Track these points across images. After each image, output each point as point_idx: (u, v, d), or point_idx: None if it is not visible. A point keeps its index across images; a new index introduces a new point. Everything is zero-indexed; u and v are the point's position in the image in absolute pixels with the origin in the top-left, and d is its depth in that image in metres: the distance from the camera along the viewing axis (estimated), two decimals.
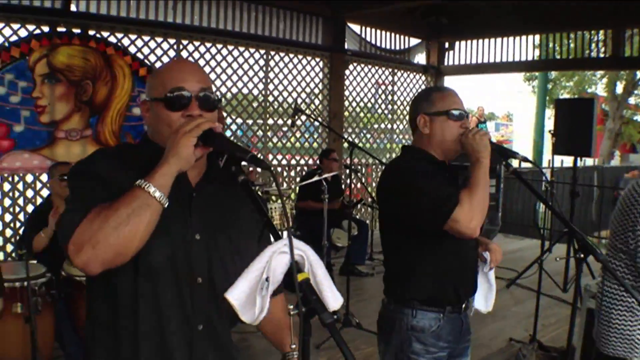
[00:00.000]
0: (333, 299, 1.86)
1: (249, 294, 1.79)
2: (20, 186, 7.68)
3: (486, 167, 2.87)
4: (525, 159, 3.22)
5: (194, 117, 1.94)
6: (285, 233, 1.85)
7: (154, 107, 2.00)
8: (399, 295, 3.09)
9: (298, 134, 11.19)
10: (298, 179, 10.35)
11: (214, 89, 2.34)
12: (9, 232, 7.60)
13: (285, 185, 10.50)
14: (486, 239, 3.20)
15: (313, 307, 1.65)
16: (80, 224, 1.78)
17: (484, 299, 3.18)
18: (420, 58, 13.56)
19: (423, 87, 13.46)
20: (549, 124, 19.14)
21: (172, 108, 1.96)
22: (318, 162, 9.20)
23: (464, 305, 3.12)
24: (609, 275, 3.40)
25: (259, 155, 1.85)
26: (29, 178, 7.72)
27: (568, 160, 11.04)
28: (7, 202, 7.59)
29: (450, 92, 3.10)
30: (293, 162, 11.16)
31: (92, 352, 2.06)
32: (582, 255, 2.99)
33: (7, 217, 7.60)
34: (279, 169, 10.74)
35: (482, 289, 3.17)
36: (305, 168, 10.97)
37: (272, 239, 1.90)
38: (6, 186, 7.56)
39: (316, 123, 11.27)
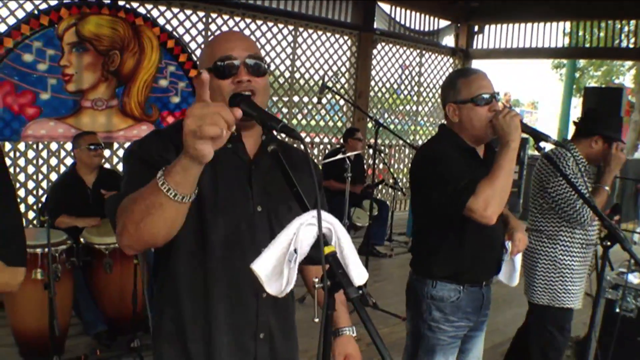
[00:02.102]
0: (358, 275, 1.85)
1: (276, 265, 1.78)
2: (44, 154, 7.73)
3: (514, 150, 2.86)
4: (558, 143, 3.33)
5: (242, 82, 1.99)
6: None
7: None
8: (421, 269, 3.18)
9: (323, 112, 11.16)
10: (321, 157, 10.34)
11: None
12: (31, 200, 7.67)
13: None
14: (517, 224, 3.23)
15: (339, 280, 1.65)
16: (117, 210, 1.82)
17: (508, 276, 3.20)
18: (449, 40, 13.47)
19: (450, 69, 13.40)
20: (575, 113, 19.00)
21: (221, 76, 2.00)
22: (342, 141, 9.18)
23: (483, 283, 3.19)
24: (533, 232, 3.93)
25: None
26: (54, 146, 7.76)
27: None
28: (30, 169, 7.65)
29: (476, 76, 3.06)
30: (317, 140, 11.15)
31: (161, 314, 2.15)
32: (609, 243, 3.07)
33: (30, 185, 7.66)
34: (302, 146, 10.69)
35: (506, 269, 3.19)
36: (329, 147, 10.96)
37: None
38: (30, 153, 7.61)
39: (341, 102, 11.26)
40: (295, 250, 1.76)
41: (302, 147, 2.02)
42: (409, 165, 3.43)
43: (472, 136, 3.06)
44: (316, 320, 1.72)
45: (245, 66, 2.02)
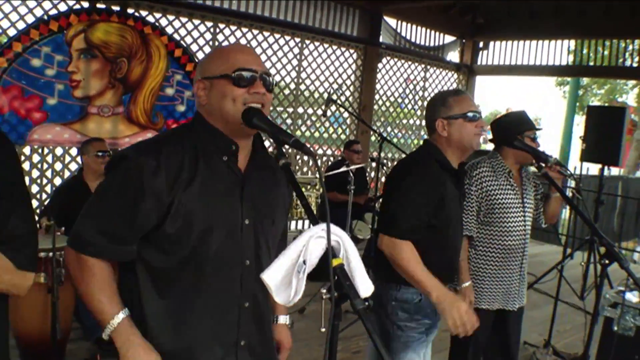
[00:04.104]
0: (364, 287, 1.90)
1: (285, 276, 1.84)
2: (49, 158, 7.76)
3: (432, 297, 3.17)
4: (559, 163, 3.53)
5: (259, 93, 2.10)
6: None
7: (216, 85, 2.11)
8: (384, 274, 3.35)
9: (327, 124, 11.18)
10: (324, 169, 10.37)
11: None
12: (34, 204, 7.65)
13: (310, 174, 10.52)
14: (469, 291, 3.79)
15: (346, 292, 1.72)
16: (84, 266, 2.06)
17: None
18: (454, 56, 13.51)
19: (455, 85, 13.46)
20: (578, 130, 19.02)
21: (239, 84, 2.08)
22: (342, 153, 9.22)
23: None
24: (477, 241, 3.99)
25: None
26: (59, 151, 7.79)
27: (593, 169, 10.98)
28: (35, 173, 7.69)
29: (466, 95, 3.43)
30: (320, 151, 11.16)
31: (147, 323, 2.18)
32: (607, 262, 3.16)
33: (34, 189, 7.69)
34: (306, 157, 10.76)
35: None
36: (332, 159, 10.98)
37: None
38: (35, 158, 7.64)
39: (345, 114, 11.28)
40: (304, 262, 1.81)
41: (311, 162, 2.13)
42: None
43: (458, 150, 3.33)
44: (322, 330, 1.77)
45: (262, 80, 2.12)
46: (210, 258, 2.11)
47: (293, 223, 10.37)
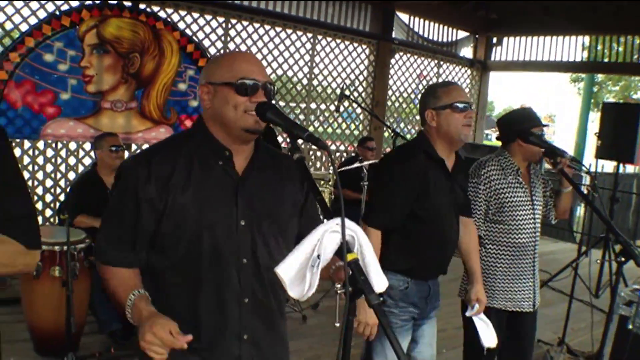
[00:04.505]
0: (379, 282, 1.91)
1: (298, 270, 1.84)
2: (63, 153, 7.79)
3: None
4: (574, 159, 3.53)
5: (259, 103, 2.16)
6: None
7: (220, 91, 2.21)
8: None
9: (340, 120, 11.18)
10: (337, 165, 10.35)
11: None
12: (49, 198, 7.71)
13: (324, 170, 10.52)
14: (479, 286, 3.71)
15: (360, 287, 1.72)
16: (105, 271, 2.27)
17: (490, 336, 3.56)
18: (467, 52, 13.48)
19: (468, 80, 13.46)
20: (592, 127, 18.93)
21: (242, 93, 2.18)
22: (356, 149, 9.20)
23: (429, 279, 3.53)
24: (486, 239, 4.01)
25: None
26: (72, 145, 7.81)
27: (608, 166, 10.93)
28: (49, 167, 7.70)
29: (455, 86, 3.46)
30: (333, 147, 11.13)
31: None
32: (622, 259, 3.12)
33: (48, 183, 7.71)
34: (319, 153, 10.76)
35: (481, 327, 3.59)
36: (345, 154, 10.96)
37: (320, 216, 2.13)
38: (49, 152, 7.66)
39: (358, 110, 11.27)
40: (318, 256, 1.81)
41: (325, 156, 2.17)
42: None
43: (446, 141, 3.37)
44: (337, 325, 1.77)
45: (264, 89, 2.22)
46: (205, 257, 2.21)
47: None
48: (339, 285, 1.77)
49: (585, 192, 7.88)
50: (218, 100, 2.22)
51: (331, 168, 10.59)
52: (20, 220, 1.99)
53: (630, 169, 13.64)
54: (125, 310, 2.13)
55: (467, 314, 3.62)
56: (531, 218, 3.96)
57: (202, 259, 2.21)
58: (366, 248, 1.91)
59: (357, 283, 1.73)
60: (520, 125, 3.93)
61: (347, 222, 1.81)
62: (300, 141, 2.01)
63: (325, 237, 1.83)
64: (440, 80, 12.71)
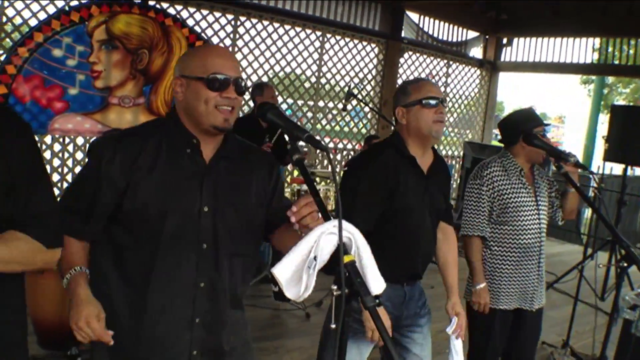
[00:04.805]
0: (375, 284, 1.92)
1: (295, 271, 1.85)
2: (70, 148, 7.83)
3: None
4: (578, 164, 3.55)
5: (230, 98, 2.28)
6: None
7: (192, 85, 2.29)
8: None
9: (347, 119, 11.17)
10: (343, 164, 10.35)
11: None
12: (55, 192, 7.66)
13: (330, 168, 10.50)
14: (457, 300, 3.58)
15: (356, 289, 1.73)
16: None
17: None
18: (477, 52, 13.44)
19: (477, 81, 13.42)
20: (602, 129, 18.86)
21: (212, 88, 2.26)
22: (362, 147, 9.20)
23: (405, 282, 3.41)
24: (491, 241, 4.01)
25: None
26: (80, 140, 7.84)
27: (617, 169, 10.88)
28: (56, 162, 7.75)
29: (425, 82, 3.36)
30: (340, 146, 11.16)
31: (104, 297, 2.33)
32: (625, 264, 3.12)
33: (55, 177, 7.75)
34: (327, 158, 10.72)
35: (454, 349, 3.50)
36: (352, 153, 10.96)
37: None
38: (56, 147, 7.70)
39: (366, 109, 11.27)
40: (315, 258, 1.83)
41: (326, 158, 2.22)
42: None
43: (418, 138, 3.31)
44: (332, 326, 1.79)
45: (235, 85, 2.29)
46: (165, 239, 2.26)
47: None
48: (334, 287, 1.77)
49: (592, 194, 7.84)
50: (190, 94, 2.30)
51: (336, 168, 10.60)
52: (43, 219, 2.02)
53: (638, 171, 13.60)
54: (64, 278, 2.22)
55: (447, 330, 3.51)
56: (536, 219, 3.96)
57: (161, 240, 2.26)
58: (363, 250, 1.92)
59: (353, 285, 1.73)
60: (523, 126, 3.93)
61: (345, 224, 1.83)
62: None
63: (322, 239, 1.84)
64: (449, 80, 12.74)
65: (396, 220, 3.28)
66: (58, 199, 2.24)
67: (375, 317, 1.71)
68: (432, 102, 3.22)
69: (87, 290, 2.17)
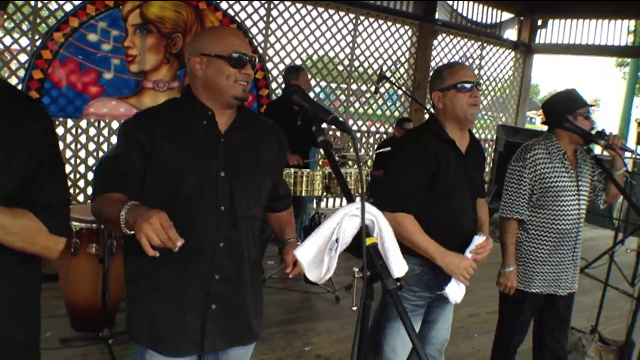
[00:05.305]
0: (398, 267, 1.94)
1: (317, 254, 1.88)
2: (105, 132, 7.91)
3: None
4: (608, 146, 3.51)
5: (248, 75, 2.53)
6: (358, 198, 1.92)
7: (213, 62, 2.51)
8: None
9: (380, 101, 11.14)
10: (376, 147, 10.34)
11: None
12: (90, 176, 7.82)
13: (362, 151, 10.52)
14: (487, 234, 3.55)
15: (378, 271, 1.75)
16: (97, 189, 2.49)
17: (453, 292, 3.37)
18: (511, 34, 13.34)
19: (512, 63, 13.33)
20: (637, 112, 18.63)
21: (235, 66, 2.49)
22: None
23: None
24: (529, 224, 4.01)
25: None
26: (115, 125, 7.89)
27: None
28: (91, 146, 7.85)
29: (460, 66, 3.47)
30: (373, 129, 11.15)
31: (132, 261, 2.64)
32: None
33: (91, 161, 7.84)
34: (358, 134, 10.77)
35: (454, 286, 3.38)
36: (384, 136, 10.95)
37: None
38: (92, 131, 7.80)
39: (399, 92, 11.23)
40: (337, 240, 1.84)
41: (350, 143, 2.25)
42: None
43: (454, 121, 3.40)
44: (354, 308, 1.81)
45: (251, 62, 2.55)
46: (184, 201, 2.48)
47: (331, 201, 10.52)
48: (356, 269, 1.80)
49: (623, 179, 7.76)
50: (211, 70, 2.52)
51: (368, 151, 10.60)
52: (52, 207, 2.06)
53: None
54: (119, 220, 2.16)
55: (467, 250, 3.37)
56: (576, 204, 3.94)
57: (180, 202, 2.47)
58: (386, 233, 1.94)
59: (375, 267, 1.75)
60: (566, 108, 3.92)
61: (368, 206, 1.86)
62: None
63: (345, 221, 1.86)
64: (482, 62, 12.65)
65: (441, 201, 3.35)
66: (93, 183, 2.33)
67: (397, 301, 1.73)
68: (467, 86, 3.30)
69: (147, 208, 2.15)
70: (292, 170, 6.14)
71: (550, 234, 3.93)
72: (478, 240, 3.32)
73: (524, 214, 3.95)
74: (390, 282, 1.74)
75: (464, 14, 12.13)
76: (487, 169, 12.42)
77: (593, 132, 3.86)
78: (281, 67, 9.40)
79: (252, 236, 2.68)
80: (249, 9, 8.94)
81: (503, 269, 3.97)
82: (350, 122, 10.60)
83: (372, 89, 10.36)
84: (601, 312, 5.81)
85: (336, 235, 1.86)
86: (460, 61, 12.16)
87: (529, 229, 3.99)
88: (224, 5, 8.59)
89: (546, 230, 3.94)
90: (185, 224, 2.35)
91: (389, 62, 10.91)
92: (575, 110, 3.88)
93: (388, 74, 10.68)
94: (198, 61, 2.53)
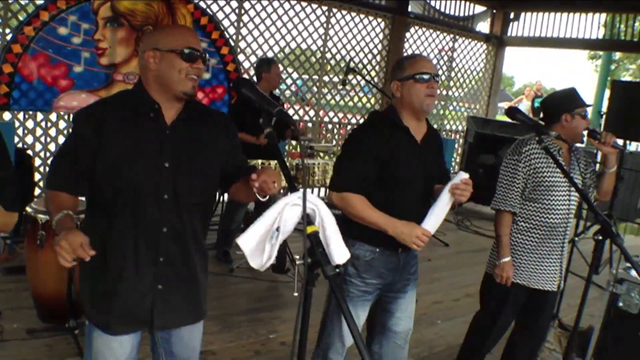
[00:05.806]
0: (338, 254, 2.02)
1: (259, 242, 1.97)
2: None
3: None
4: (559, 137, 3.62)
5: (199, 69, 2.65)
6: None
7: (166, 56, 2.61)
8: (342, 228, 3.38)
9: (352, 93, 11.21)
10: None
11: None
12: None
13: (334, 142, 10.59)
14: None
15: (318, 259, 1.84)
16: (49, 195, 2.64)
17: (430, 220, 3.37)
18: (484, 27, 13.45)
19: (484, 56, 13.45)
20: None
21: (187, 60, 2.61)
22: None
23: (399, 249, 3.48)
24: (519, 217, 4.10)
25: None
26: None
27: (620, 144, 10.86)
28: (61, 139, 7.85)
29: (419, 57, 3.54)
30: (345, 120, 11.23)
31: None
32: (600, 238, 3.25)
33: None
34: (330, 126, 10.85)
35: (433, 214, 3.37)
36: (356, 127, 10.95)
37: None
38: (62, 124, 7.83)
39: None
40: (277, 229, 1.93)
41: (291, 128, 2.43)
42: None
43: (410, 110, 3.45)
44: (295, 294, 1.89)
45: (201, 57, 2.67)
46: (130, 190, 2.60)
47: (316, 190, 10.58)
48: (297, 256, 1.88)
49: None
50: (164, 64, 2.61)
51: (338, 141, 10.67)
52: (1, 184, 2.20)
53: None
54: (52, 221, 2.45)
55: (448, 185, 3.28)
56: (566, 199, 4.01)
57: (125, 191, 2.60)
58: (327, 221, 2.03)
59: (315, 255, 1.85)
60: (564, 106, 4.01)
61: (309, 195, 1.95)
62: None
63: (286, 210, 1.95)
64: (455, 54, 12.75)
65: (391, 188, 3.41)
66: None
67: (336, 287, 1.82)
68: (425, 77, 3.36)
69: (72, 225, 2.39)
70: (260, 161, 6.25)
71: (540, 227, 4.02)
72: (463, 175, 3.25)
73: (516, 206, 4.03)
74: (329, 269, 1.83)
75: (437, 7, 12.21)
76: (457, 160, 12.57)
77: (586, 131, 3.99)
78: (253, 59, 9.44)
79: (198, 221, 2.82)
80: (221, 2, 8.94)
81: (498, 260, 4.05)
82: (322, 113, 10.67)
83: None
84: (562, 299, 5.89)
85: (277, 224, 1.94)
86: (437, 57, 12.27)
87: (519, 220, 4.07)
88: None
89: (535, 223, 4.03)
90: (132, 211, 2.61)
91: (362, 55, 10.98)
92: (574, 109, 3.97)
93: (360, 66, 10.75)
94: (152, 55, 2.62)
